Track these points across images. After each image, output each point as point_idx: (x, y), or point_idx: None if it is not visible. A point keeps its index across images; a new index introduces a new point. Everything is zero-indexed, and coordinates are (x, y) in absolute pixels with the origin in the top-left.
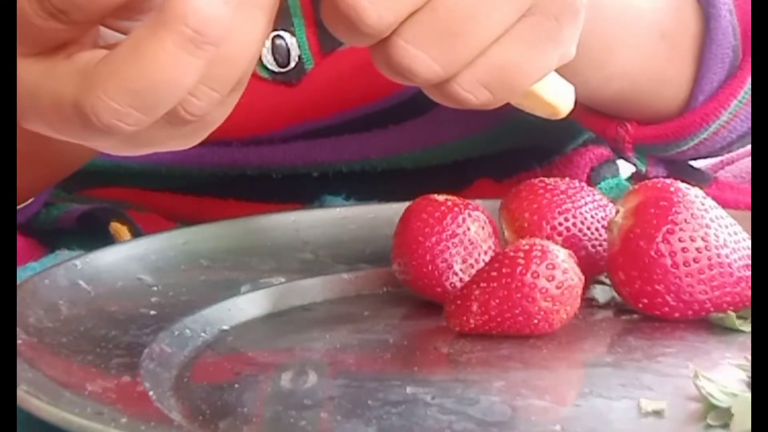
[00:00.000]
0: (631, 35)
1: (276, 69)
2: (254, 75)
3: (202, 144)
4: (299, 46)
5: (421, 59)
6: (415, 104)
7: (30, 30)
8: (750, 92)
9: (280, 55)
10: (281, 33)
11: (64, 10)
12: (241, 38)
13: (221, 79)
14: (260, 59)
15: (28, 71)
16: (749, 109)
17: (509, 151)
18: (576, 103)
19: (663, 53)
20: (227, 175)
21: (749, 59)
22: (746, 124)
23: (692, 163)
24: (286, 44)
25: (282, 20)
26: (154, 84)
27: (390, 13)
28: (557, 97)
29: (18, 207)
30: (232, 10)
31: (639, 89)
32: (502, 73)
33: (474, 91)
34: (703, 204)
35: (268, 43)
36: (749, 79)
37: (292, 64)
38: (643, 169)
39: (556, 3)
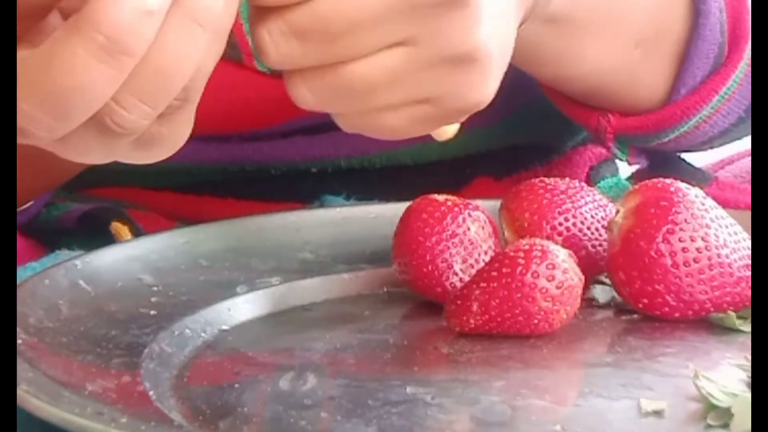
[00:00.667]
0: (595, 45)
1: None
2: (251, 69)
3: (202, 140)
4: None
5: (308, 102)
6: None
7: None
8: (732, 89)
9: None
10: None
11: None
12: (177, 53)
13: (153, 93)
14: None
15: None
16: (731, 105)
17: (508, 148)
18: (557, 93)
19: (636, 59)
20: (227, 171)
21: (734, 56)
22: (728, 120)
23: (692, 162)
24: None
25: None
26: (63, 90)
27: (286, 63)
28: None
29: (18, 209)
30: (157, 21)
31: (609, 88)
32: (382, 131)
33: (355, 130)
34: (703, 204)
35: None
36: (733, 76)
37: None
38: (624, 158)
39: (450, 104)
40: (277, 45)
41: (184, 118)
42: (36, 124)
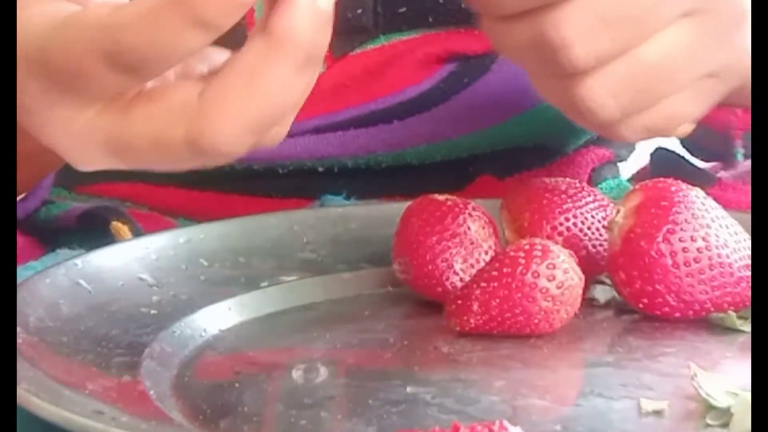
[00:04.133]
0: None
1: None
2: None
3: None
4: None
5: (607, 105)
6: (420, 101)
7: (89, 86)
8: None
9: None
10: None
11: (136, 69)
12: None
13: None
14: None
15: (93, 124)
16: None
17: (512, 149)
18: None
19: None
20: (233, 169)
21: None
22: None
23: (695, 163)
24: None
25: None
26: (272, 109)
27: (593, 56)
28: None
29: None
30: (329, 27)
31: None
32: (668, 122)
33: (638, 134)
34: (703, 204)
35: None
36: None
37: None
38: (742, 159)
39: (732, 74)
40: (584, 40)
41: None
42: (243, 146)
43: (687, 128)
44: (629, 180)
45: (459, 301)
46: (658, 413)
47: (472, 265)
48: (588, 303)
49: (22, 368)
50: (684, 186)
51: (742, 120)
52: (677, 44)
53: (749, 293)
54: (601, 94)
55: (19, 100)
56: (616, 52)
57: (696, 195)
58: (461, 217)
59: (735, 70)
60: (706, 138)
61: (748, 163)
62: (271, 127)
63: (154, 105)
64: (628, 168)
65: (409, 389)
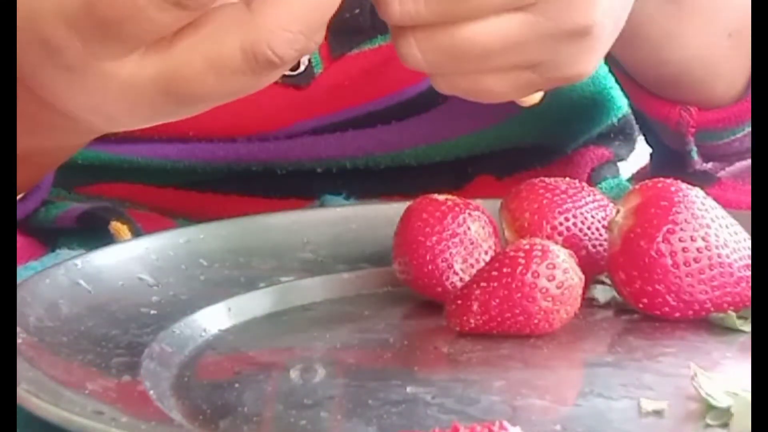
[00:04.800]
0: (696, 30)
1: (286, 72)
2: None
3: (208, 140)
4: None
5: (416, 58)
6: (418, 102)
7: (140, 27)
8: None
9: None
10: None
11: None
12: None
13: None
14: None
15: (140, 67)
16: None
17: (511, 149)
18: (629, 80)
19: (725, 51)
20: (232, 170)
21: None
22: None
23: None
24: None
25: None
26: (321, 7)
27: (407, 17)
28: None
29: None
30: None
31: (694, 77)
32: (481, 94)
33: (453, 92)
34: (703, 204)
35: None
36: None
37: (302, 68)
38: (696, 157)
39: (555, 73)
40: (402, 2)
41: None
42: (297, 46)
43: (536, 97)
44: (629, 180)
45: (459, 301)
46: (658, 413)
47: (472, 265)
48: (588, 303)
49: (22, 368)
50: (684, 186)
51: (695, 118)
52: (497, 32)
53: (749, 293)
54: (411, 47)
55: (59, 63)
56: (432, 19)
57: (696, 195)
58: (461, 217)
59: (560, 70)
60: (664, 135)
61: (747, 162)
62: (319, 29)
63: (201, 28)
64: (627, 168)
65: (409, 389)
